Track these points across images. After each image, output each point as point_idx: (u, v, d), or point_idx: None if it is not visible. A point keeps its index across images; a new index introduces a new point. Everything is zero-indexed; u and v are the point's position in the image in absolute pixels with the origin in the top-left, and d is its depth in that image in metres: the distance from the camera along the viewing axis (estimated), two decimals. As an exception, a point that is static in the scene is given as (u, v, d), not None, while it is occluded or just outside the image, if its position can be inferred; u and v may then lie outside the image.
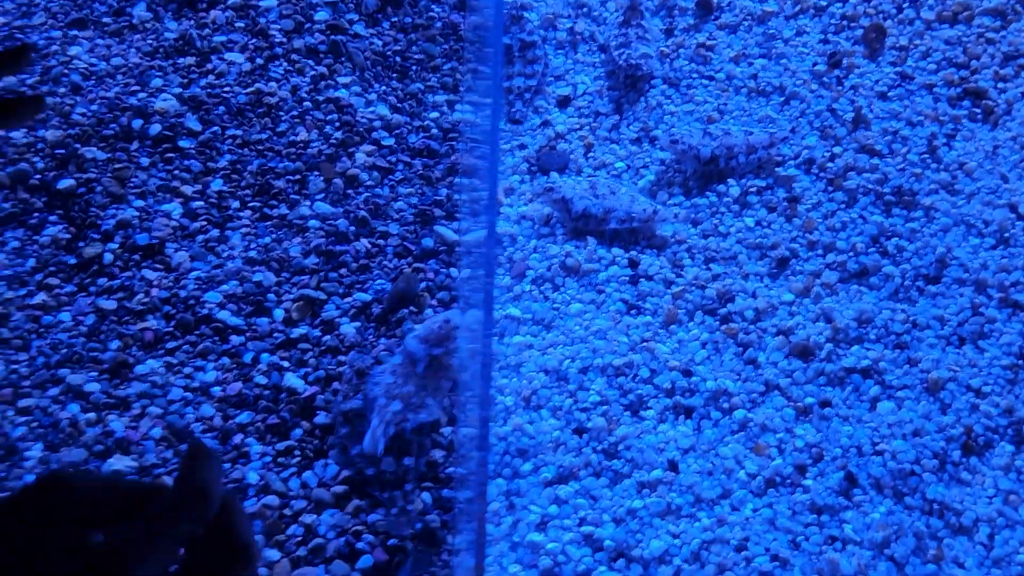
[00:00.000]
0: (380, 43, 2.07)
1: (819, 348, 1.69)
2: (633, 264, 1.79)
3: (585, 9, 2.17)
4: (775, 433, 1.59)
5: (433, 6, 2.16)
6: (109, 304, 1.65)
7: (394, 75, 2.03)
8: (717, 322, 1.73)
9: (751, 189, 1.89)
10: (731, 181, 1.90)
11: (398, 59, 2.06)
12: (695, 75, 2.07)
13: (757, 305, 1.74)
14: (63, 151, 1.81)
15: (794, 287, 1.77)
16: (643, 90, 2.04)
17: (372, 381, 1.57)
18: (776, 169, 1.92)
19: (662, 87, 2.05)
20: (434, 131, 1.96)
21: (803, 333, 1.70)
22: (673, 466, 1.55)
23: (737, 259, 1.81)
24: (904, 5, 2.18)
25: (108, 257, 1.70)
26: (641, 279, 1.78)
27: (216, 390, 1.58)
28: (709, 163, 1.90)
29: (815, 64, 2.08)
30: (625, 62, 2.02)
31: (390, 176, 1.88)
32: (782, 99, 2.03)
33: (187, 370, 1.60)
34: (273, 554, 1.42)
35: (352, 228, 1.79)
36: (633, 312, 1.74)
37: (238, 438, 1.53)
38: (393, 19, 2.12)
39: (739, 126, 1.97)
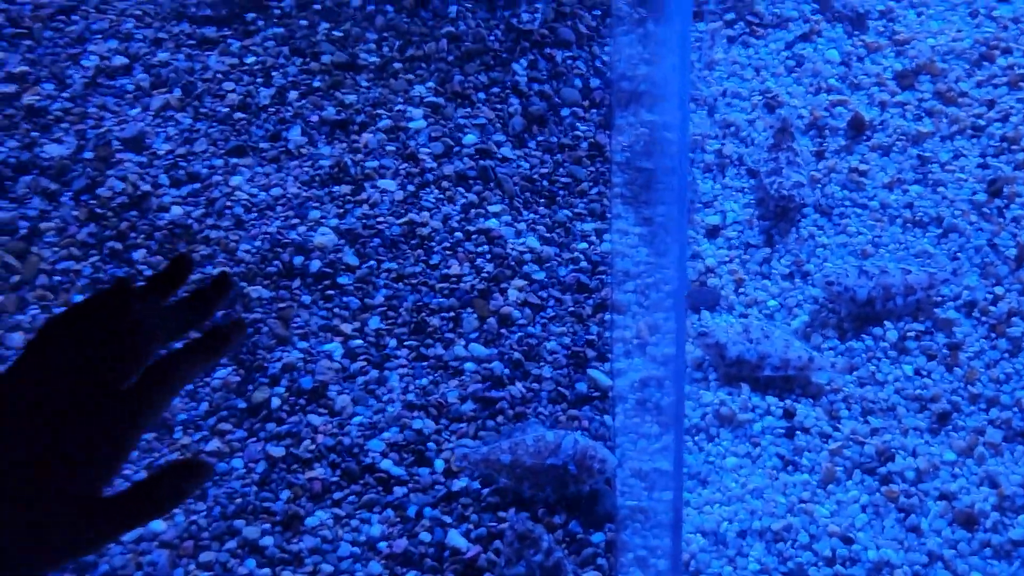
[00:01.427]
0: (527, 166, 2.09)
1: (984, 516, 1.65)
2: (788, 415, 1.78)
3: (733, 129, 2.15)
4: (941, 611, 1.57)
5: (578, 124, 2.16)
6: (278, 451, 1.72)
7: (542, 200, 2.05)
8: (877, 482, 1.70)
9: (909, 333, 1.85)
10: (888, 324, 1.86)
11: (545, 183, 2.07)
12: (848, 203, 2.03)
13: (918, 465, 1.71)
14: (233, 292, 1.87)
15: (956, 445, 1.73)
16: (794, 220, 2.01)
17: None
18: (935, 311, 1.88)
19: (814, 216, 2.02)
20: (583, 264, 1.97)
21: (967, 499, 1.67)
22: (836, 645, 1.55)
23: (896, 411, 1.78)
24: (1069, 123, 2.09)
25: (276, 402, 1.76)
26: (797, 431, 1.76)
27: (383, 546, 1.63)
28: (865, 305, 1.86)
29: (974, 192, 2.02)
30: (776, 192, 1.99)
31: (542, 313, 1.90)
32: (940, 231, 1.98)
33: (354, 523, 1.65)
34: None
35: (507, 371, 1.82)
36: (790, 468, 1.73)
37: (406, 599, 1.58)
38: (539, 138, 2.14)
39: (895, 262, 1.93)
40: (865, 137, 2.12)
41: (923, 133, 2.10)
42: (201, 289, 0.82)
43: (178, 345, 0.77)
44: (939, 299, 1.89)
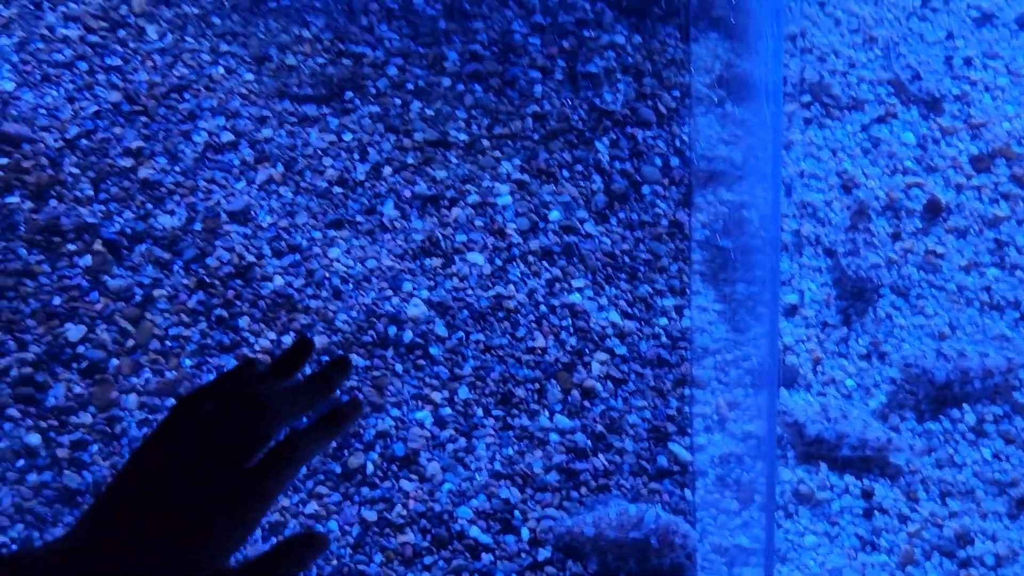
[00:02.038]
0: (609, 242, 2.17)
1: (1066, 605, 1.67)
2: (867, 495, 1.82)
3: (810, 209, 2.21)
4: None
5: (659, 202, 2.24)
6: (371, 515, 1.80)
7: (623, 276, 2.13)
8: (956, 566, 1.73)
9: (987, 417, 1.88)
10: (966, 407, 1.90)
11: (627, 259, 2.15)
12: (924, 284, 2.07)
13: (997, 550, 1.73)
14: (327, 358, 1.98)
15: (1036, 531, 1.75)
16: (872, 300, 2.06)
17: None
18: (1013, 395, 1.91)
19: (891, 297, 2.06)
20: (664, 339, 2.04)
21: (1048, 586, 1.68)
22: None
23: (974, 495, 1.80)
24: None
25: (370, 467, 1.86)
26: (875, 512, 1.80)
27: (471, 612, 1.70)
28: (943, 387, 1.90)
29: (1052, 277, 2.05)
30: (853, 272, 2.04)
31: (623, 387, 1.97)
32: (1017, 315, 2.01)
33: (443, 588, 1.73)
34: None
35: (590, 443, 1.89)
36: (868, 548, 1.76)
37: (493, 665, 1.65)
38: (621, 215, 2.22)
39: (973, 345, 1.97)
40: (941, 219, 2.16)
41: (999, 217, 2.14)
42: (323, 372, 0.89)
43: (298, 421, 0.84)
44: (1017, 383, 1.92)
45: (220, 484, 0.74)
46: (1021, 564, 1.72)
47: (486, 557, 1.76)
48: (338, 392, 1.82)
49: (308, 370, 1.81)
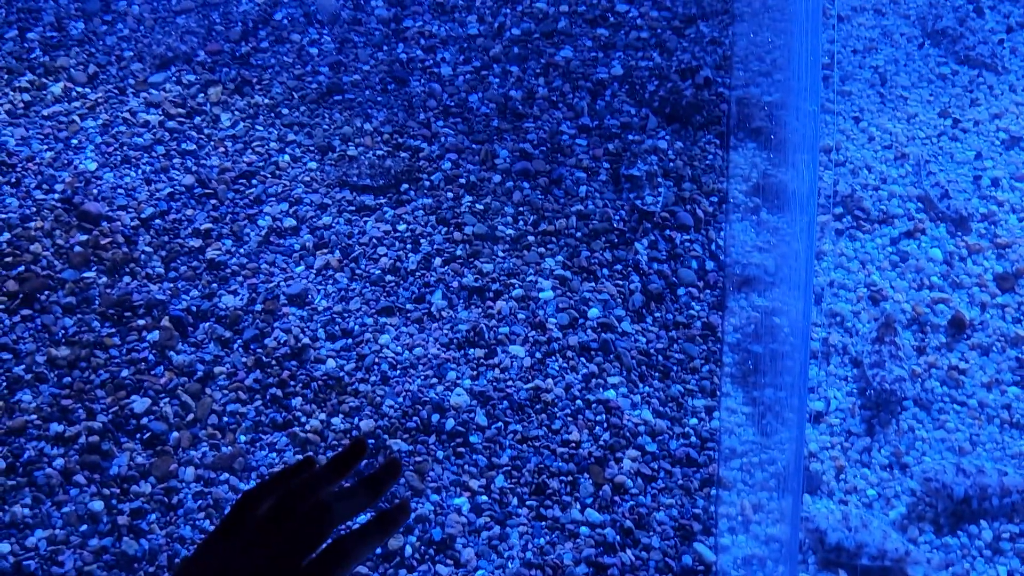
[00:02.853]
0: (644, 341, 2.28)
1: None
2: (884, 605, 1.89)
3: (838, 319, 2.31)
4: None
5: (693, 304, 2.35)
6: (408, 596, 1.90)
7: (657, 375, 2.23)
8: None
9: (1004, 535, 1.95)
10: (983, 523, 1.97)
11: (661, 358, 2.26)
12: (947, 399, 2.16)
13: (1010, 668, 1.79)
14: (373, 441, 2.10)
15: (1049, 652, 1.81)
16: (895, 412, 2.14)
17: None
18: (1030, 514, 1.97)
19: (914, 410, 2.15)
20: (693, 439, 2.13)
21: None
22: None
23: (989, 611, 1.87)
24: None
25: (408, 550, 1.96)
26: (891, 622, 1.86)
27: None
28: (962, 502, 1.97)
29: (1072, 399, 2.13)
30: (878, 384, 2.13)
31: (652, 484, 2.07)
32: (1036, 435, 2.09)
33: (473, 672, 1.81)
34: None
35: (618, 538, 1.98)
36: (883, 659, 1.83)
37: None
38: (656, 315, 2.34)
39: (992, 462, 2.04)
40: (965, 336, 2.25)
41: (1022, 336, 2.23)
42: (376, 475, 0.95)
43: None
44: (1034, 502, 1.98)
45: None
46: None
47: (515, 644, 1.85)
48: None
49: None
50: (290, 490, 0.88)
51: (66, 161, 2.51)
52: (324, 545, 0.85)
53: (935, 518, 2.00)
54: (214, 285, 2.34)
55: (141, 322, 2.25)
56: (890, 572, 1.93)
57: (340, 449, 0.99)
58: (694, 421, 2.17)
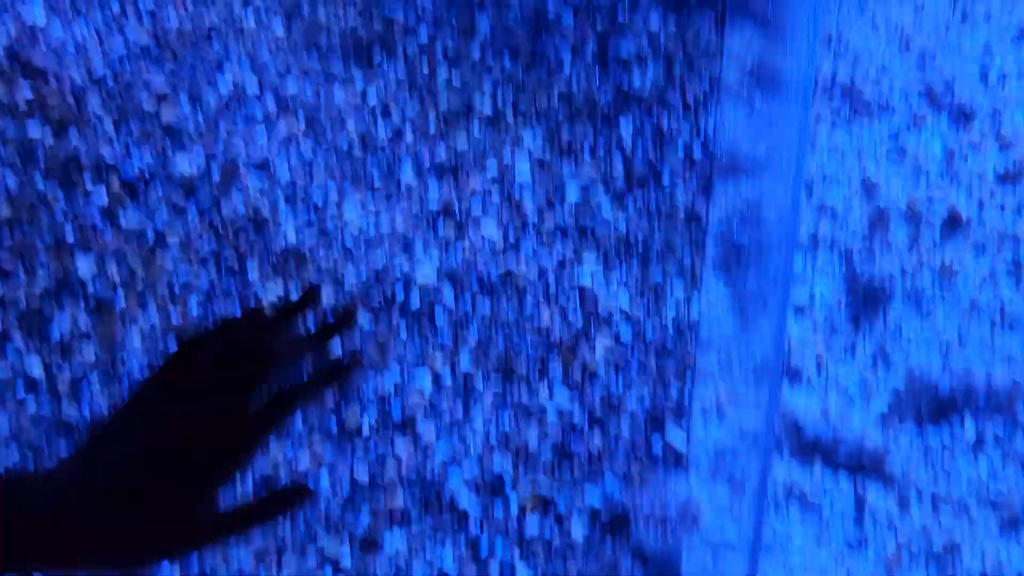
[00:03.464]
0: (625, 226, 2.16)
1: (1049, 626, 1.66)
2: (859, 500, 1.81)
3: (829, 212, 2.20)
4: None
5: (678, 191, 2.23)
6: (363, 474, 1.81)
7: (636, 261, 2.12)
8: (941, 578, 1.72)
9: (987, 434, 1.87)
10: (967, 422, 1.89)
11: (640, 244, 2.14)
12: (937, 297, 2.06)
13: (985, 567, 1.72)
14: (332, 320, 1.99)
15: (1026, 551, 1.74)
16: (882, 308, 2.05)
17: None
18: (1017, 415, 1.89)
19: (902, 306, 2.05)
20: (670, 328, 2.03)
21: (1032, 607, 1.68)
22: None
23: (967, 509, 1.80)
24: None
25: (366, 429, 1.86)
26: (866, 516, 1.79)
27: (453, 579, 1.71)
28: (946, 400, 1.89)
29: (1067, 300, 2.03)
30: (867, 279, 2.03)
31: (625, 371, 1.97)
32: (1028, 335, 2.00)
33: (428, 554, 1.73)
34: None
35: (586, 424, 1.89)
36: (855, 552, 1.76)
37: (471, 633, 1.65)
38: (638, 200, 2.21)
39: (981, 362, 1.95)
40: (960, 233, 2.14)
41: (1019, 235, 2.12)
42: (328, 325, 0.89)
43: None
44: (1021, 404, 1.90)
45: (215, 429, 0.75)
46: (1007, 582, 1.71)
47: (473, 526, 1.76)
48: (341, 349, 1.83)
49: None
50: (233, 337, 0.81)
51: (11, 11, 2.33)
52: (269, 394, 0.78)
53: (917, 415, 1.92)
54: (168, 150, 2.19)
55: (89, 184, 2.11)
56: (868, 466, 1.85)
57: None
58: (672, 309, 2.06)
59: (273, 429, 0.78)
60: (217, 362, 0.79)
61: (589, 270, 2.09)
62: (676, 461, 1.86)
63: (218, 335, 0.82)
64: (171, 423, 0.74)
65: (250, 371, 0.79)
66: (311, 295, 0.91)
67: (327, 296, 2.01)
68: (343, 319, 0.89)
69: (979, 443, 1.87)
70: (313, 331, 0.88)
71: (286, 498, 0.75)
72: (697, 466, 1.85)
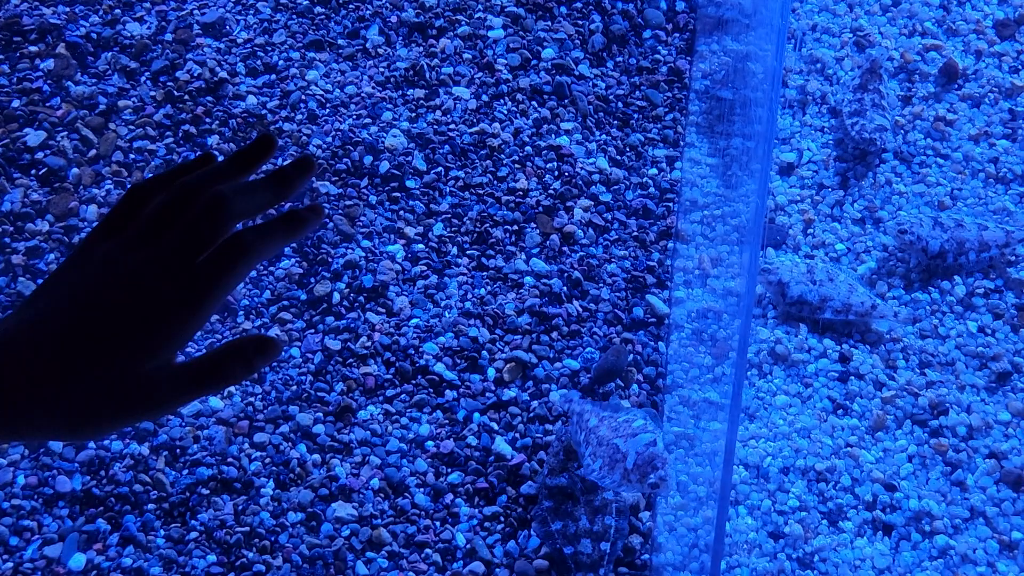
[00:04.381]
0: (603, 85, 2.05)
1: (1033, 479, 1.64)
2: (844, 359, 1.77)
3: (819, 66, 2.09)
4: (976, 566, 1.57)
5: (659, 48, 2.11)
6: (335, 344, 1.75)
7: (615, 122, 2.02)
8: (927, 435, 1.69)
9: (978, 290, 1.82)
10: (957, 279, 1.83)
11: (620, 105, 2.04)
12: (930, 152, 1.97)
13: (971, 422, 1.69)
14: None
15: (1013, 406, 1.71)
16: (872, 164, 1.96)
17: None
18: (1008, 270, 1.84)
19: (893, 162, 1.97)
20: (652, 190, 1.95)
21: (1017, 460, 1.65)
22: (868, 587, 1.56)
23: (954, 367, 1.76)
24: None
25: (336, 297, 1.79)
26: (851, 377, 1.75)
27: (430, 445, 1.67)
28: (936, 257, 1.83)
29: (1064, 152, 1.95)
30: (857, 134, 1.94)
31: (605, 235, 1.89)
32: (1023, 189, 1.92)
33: (404, 420, 1.69)
34: (476, 621, 1.52)
35: (565, 289, 1.83)
36: (840, 412, 1.72)
37: (448, 498, 1.62)
38: (618, 59, 2.10)
39: (972, 216, 1.88)
40: (956, 86, 2.04)
41: (1017, 87, 2.03)
42: (283, 168, 0.81)
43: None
44: (1013, 258, 1.84)
45: (168, 279, 0.68)
46: (994, 437, 1.68)
47: (449, 394, 1.72)
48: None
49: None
50: (184, 183, 0.74)
51: None
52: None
53: (906, 273, 1.86)
54: (117, 11, 2.05)
55: (33, 48, 1.98)
56: (854, 326, 1.80)
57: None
58: (653, 171, 1.98)
59: (229, 280, 0.71)
60: (165, 210, 0.72)
61: (567, 131, 1.99)
62: (657, 324, 1.81)
63: (167, 179, 0.76)
64: (118, 279, 0.68)
65: (201, 218, 0.72)
66: (266, 143, 0.82)
67: (292, 163, 1.91)
68: (300, 164, 0.81)
69: (969, 300, 1.81)
70: (267, 177, 0.80)
71: (246, 353, 0.69)
72: (679, 329, 1.79)
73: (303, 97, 1.99)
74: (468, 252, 1.86)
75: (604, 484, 1.52)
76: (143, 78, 1.98)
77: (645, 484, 1.47)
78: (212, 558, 1.55)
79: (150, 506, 1.59)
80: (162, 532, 1.57)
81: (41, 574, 1.53)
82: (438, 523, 1.60)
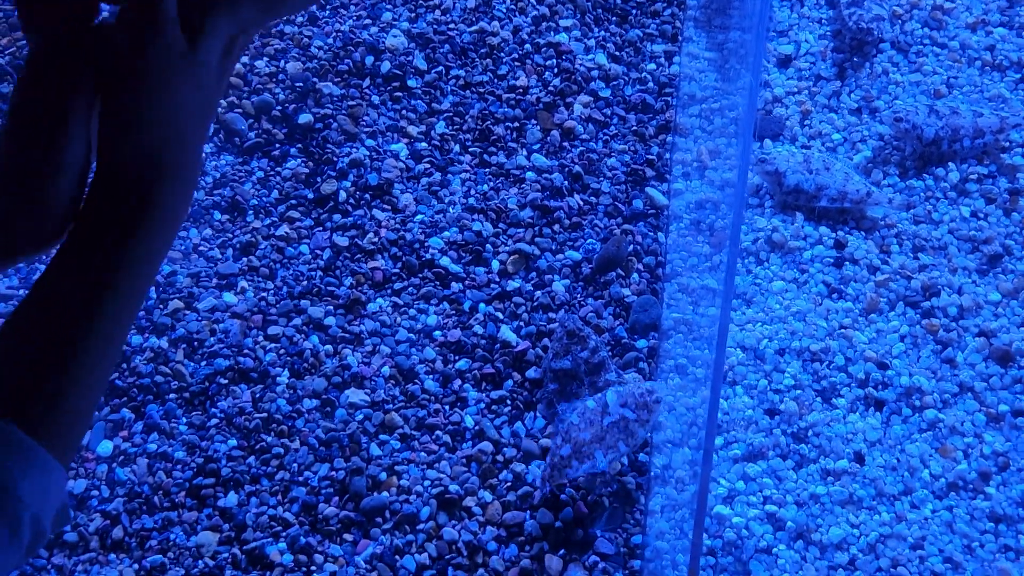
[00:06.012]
0: (602, -18, 2.06)
1: (1021, 355, 1.70)
2: (839, 245, 1.81)
3: (817, -43, 2.09)
4: (964, 437, 1.64)
5: (657, -58, 2.11)
6: (343, 241, 1.80)
7: (614, 18, 2.03)
8: (919, 315, 1.75)
9: (972, 176, 1.85)
10: (951, 165, 1.86)
11: (618, 1, 2.05)
12: (927, 41, 1.99)
13: (962, 302, 1.74)
14: (302, 84, 1.92)
15: (1003, 287, 1.76)
16: (869, 54, 1.98)
17: (559, 419, 1.65)
18: (1002, 156, 1.87)
19: (890, 52, 1.98)
20: (650, 84, 1.97)
21: (1006, 337, 1.71)
22: (859, 458, 1.63)
23: (947, 250, 1.80)
24: None
25: (342, 195, 1.84)
26: (846, 262, 1.80)
27: (438, 334, 1.73)
28: (931, 144, 1.86)
29: (1061, 38, 1.96)
30: (855, 24, 1.95)
31: (605, 130, 1.92)
32: (1018, 76, 1.94)
33: (412, 312, 1.75)
34: (486, 495, 1.60)
35: (566, 183, 1.86)
36: (834, 296, 1.77)
37: (457, 383, 1.69)
38: (616, -46, 2.09)
39: (968, 104, 1.91)
40: (954, -26, 2.05)
41: (1016, -27, 2.03)
42: None
43: None
44: (1007, 144, 1.87)
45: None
46: (984, 316, 1.73)
47: (455, 285, 1.77)
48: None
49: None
50: None
51: None
52: None
53: (901, 161, 1.89)
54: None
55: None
56: (849, 213, 1.84)
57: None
58: (652, 66, 1.99)
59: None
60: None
61: (565, 28, 2.00)
62: (656, 215, 1.85)
63: None
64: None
65: None
66: None
67: (293, 67, 1.93)
68: None
69: (962, 186, 1.85)
70: None
71: None
72: (678, 220, 1.84)
73: (303, -1, 2.00)
74: (470, 149, 1.90)
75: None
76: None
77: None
78: (233, 442, 1.63)
79: (171, 395, 1.66)
80: (184, 419, 1.64)
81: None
82: (447, 407, 1.67)
